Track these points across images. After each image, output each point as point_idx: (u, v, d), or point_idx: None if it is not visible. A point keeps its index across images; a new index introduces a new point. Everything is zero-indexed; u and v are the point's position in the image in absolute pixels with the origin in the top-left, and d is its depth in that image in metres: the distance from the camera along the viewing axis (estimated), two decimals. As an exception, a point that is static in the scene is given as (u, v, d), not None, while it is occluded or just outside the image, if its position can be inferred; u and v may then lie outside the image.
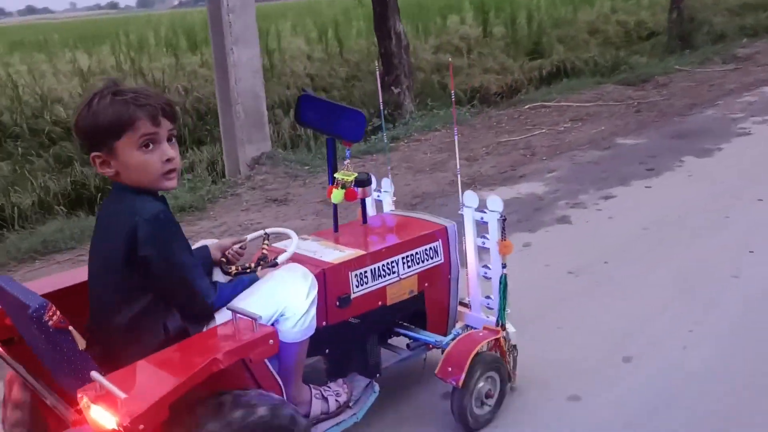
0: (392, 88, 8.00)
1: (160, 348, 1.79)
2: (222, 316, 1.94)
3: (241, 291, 2.02)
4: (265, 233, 2.36)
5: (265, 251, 2.27)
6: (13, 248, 4.60)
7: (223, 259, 2.26)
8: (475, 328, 2.62)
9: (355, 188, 2.60)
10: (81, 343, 1.75)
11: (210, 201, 5.50)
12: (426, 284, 2.56)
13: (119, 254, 1.83)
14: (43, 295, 1.94)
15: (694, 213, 4.44)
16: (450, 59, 2.87)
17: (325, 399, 2.21)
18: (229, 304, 1.87)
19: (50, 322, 1.66)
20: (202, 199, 5.48)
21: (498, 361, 2.46)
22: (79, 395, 1.55)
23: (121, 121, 1.82)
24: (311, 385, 2.22)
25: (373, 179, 2.66)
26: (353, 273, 2.32)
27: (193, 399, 1.70)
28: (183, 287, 1.88)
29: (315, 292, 2.08)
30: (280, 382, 1.98)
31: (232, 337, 1.74)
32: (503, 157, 6.20)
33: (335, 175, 2.52)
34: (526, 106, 8.14)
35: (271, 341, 1.75)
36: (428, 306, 2.60)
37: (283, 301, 2.02)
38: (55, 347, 1.69)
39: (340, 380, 2.31)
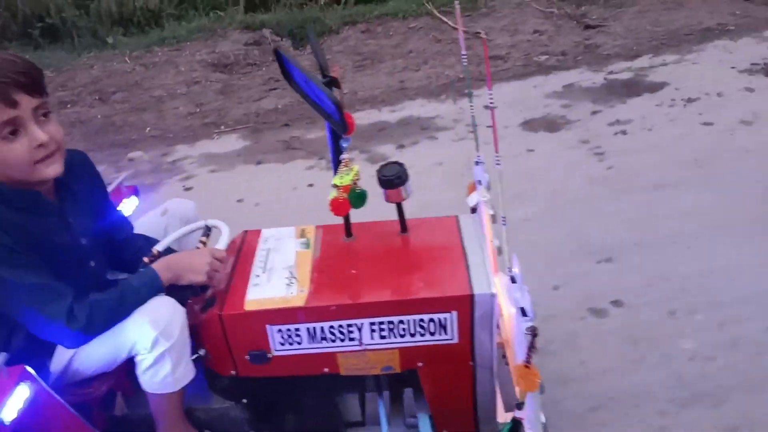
0: None
1: None
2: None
3: (134, 301, 1.57)
4: (207, 226, 1.80)
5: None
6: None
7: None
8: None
9: (385, 190, 1.74)
10: None
11: None
12: (420, 364, 1.67)
13: None
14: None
15: None
16: None
17: (209, 459, 1.74)
18: None
19: None
20: None
21: None
22: None
23: None
24: (206, 436, 1.76)
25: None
26: (274, 328, 1.62)
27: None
28: (25, 318, 1.53)
29: (167, 344, 1.55)
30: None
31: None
32: None
33: (334, 179, 1.69)
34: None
35: None
36: (428, 392, 1.72)
37: (129, 342, 1.56)
38: None
39: (247, 441, 1.77)
